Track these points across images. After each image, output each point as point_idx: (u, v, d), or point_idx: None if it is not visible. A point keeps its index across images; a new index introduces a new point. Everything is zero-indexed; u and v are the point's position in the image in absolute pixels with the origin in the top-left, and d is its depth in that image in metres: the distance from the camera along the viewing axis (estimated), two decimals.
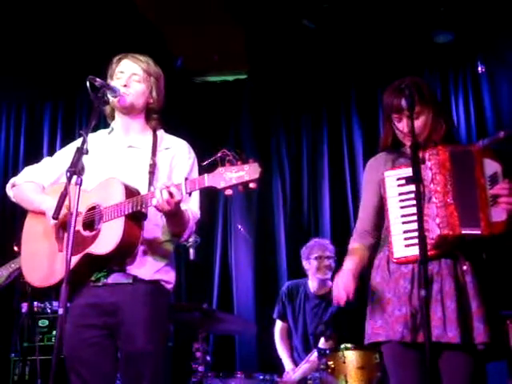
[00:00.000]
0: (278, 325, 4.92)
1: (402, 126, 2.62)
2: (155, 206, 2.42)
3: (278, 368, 4.86)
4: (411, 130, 2.46)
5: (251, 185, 2.25)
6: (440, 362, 2.46)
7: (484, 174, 2.48)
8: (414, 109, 2.51)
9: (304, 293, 4.83)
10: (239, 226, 5.70)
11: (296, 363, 4.69)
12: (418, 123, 2.59)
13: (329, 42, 5.89)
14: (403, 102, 2.55)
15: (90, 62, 4.75)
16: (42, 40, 5.78)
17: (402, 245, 2.52)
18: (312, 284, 4.83)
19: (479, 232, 2.41)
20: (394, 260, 2.55)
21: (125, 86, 2.69)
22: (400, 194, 2.56)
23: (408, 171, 2.46)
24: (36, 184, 2.80)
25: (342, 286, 2.56)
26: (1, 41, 5.71)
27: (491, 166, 2.50)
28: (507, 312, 4.03)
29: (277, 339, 4.91)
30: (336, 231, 5.99)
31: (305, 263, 4.87)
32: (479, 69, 5.83)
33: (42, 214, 2.65)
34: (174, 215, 2.52)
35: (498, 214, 2.43)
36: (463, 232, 2.41)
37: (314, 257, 4.78)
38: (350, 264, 2.67)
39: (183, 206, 2.54)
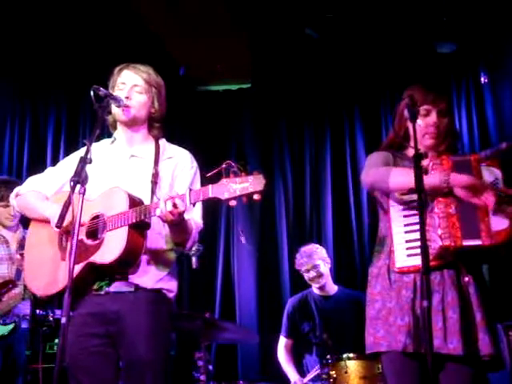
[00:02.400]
0: (283, 341, 4.90)
1: (429, 120, 2.62)
2: (159, 217, 2.43)
3: (280, 377, 4.85)
4: (415, 139, 2.46)
5: (255, 196, 2.25)
6: (440, 373, 2.44)
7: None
8: (416, 119, 2.51)
9: (313, 300, 4.84)
10: (241, 234, 5.68)
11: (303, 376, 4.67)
12: (445, 121, 2.64)
13: (332, 51, 5.91)
14: (406, 112, 2.56)
15: (95, 69, 4.78)
16: (48, 47, 5.82)
17: (404, 254, 2.51)
18: (316, 289, 4.87)
19: (480, 243, 2.40)
20: (396, 269, 2.53)
21: (127, 98, 2.70)
22: (403, 203, 2.54)
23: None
24: (40, 193, 2.81)
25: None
26: (5, 50, 5.74)
27: (491, 173, 2.51)
28: (510, 322, 4.02)
29: (282, 354, 4.87)
30: (338, 239, 6.00)
31: (301, 273, 4.92)
32: (482, 79, 5.84)
33: (46, 221, 2.66)
34: (178, 225, 2.52)
35: (500, 222, 2.42)
36: (464, 244, 2.40)
37: (304, 269, 4.83)
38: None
39: (186, 216, 2.54)
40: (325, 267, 4.81)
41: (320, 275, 4.77)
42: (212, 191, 2.30)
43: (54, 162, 3.02)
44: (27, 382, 4.29)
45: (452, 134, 2.73)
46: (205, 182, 2.64)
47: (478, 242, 2.41)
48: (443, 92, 2.75)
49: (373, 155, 2.80)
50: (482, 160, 2.53)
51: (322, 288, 4.82)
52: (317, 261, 4.80)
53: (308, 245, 5.04)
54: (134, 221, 2.46)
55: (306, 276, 4.82)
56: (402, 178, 2.48)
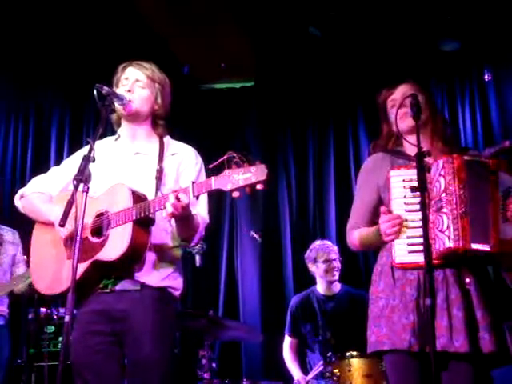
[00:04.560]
0: (288, 340, 4.90)
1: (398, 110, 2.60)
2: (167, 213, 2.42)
3: (284, 375, 4.85)
4: (417, 138, 2.43)
5: (258, 186, 2.24)
6: (444, 372, 2.42)
7: (499, 188, 2.42)
8: (420, 117, 2.50)
9: (316, 300, 4.83)
10: (252, 233, 5.68)
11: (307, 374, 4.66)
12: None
13: (335, 50, 5.90)
14: (409, 111, 2.55)
15: (98, 68, 4.78)
16: (49, 48, 5.82)
17: (405, 250, 2.45)
18: (321, 287, 4.86)
19: (488, 249, 2.35)
20: (397, 265, 2.49)
21: (129, 91, 2.71)
22: (405, 197, 2.49)
23: (414, 173, 2.39)
24: (44, 194, 2.80)
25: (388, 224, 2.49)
26: (8, 50, 5.75)
27: (506, 180, 2.44)
28: None
29: (287, 353, 4.87)
30: (342, 235, 5.96)
31: (311, 266, 4.89)
32: (486, 77, 5.83)
33: (51, 224, 2.66)
34: (185, 220, 2.52)
35: (509, 231, 2.38)
36: (473, 247, 2.35)
37: (321, 260, 4.80)
38: (370, 228, 2.67)
39: (193, 211, 2.54)
40: (339, 262, 4.84)
41: (339, 268, 4.78)
42: (215, 183, 2.30)
43: (58, 161, 3.03)
44: (31, 380, 4.31)
45: (434, 111, 2.71)
46: (207, 173, 2.65)
47: (486, 248, 2.36)
48: (404, 78, 2.75)
49: (363, 177, 2.81)
50: (500, 165, 2.46)
51: (329, 284, 4.81)
52: (335, 254, 4.82)
53: (320, 240, 5.07)
54: (137, 217, 2.45)
55: (324, 267, 4.77)
56: (357, 242, 2.71)
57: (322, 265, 4.79)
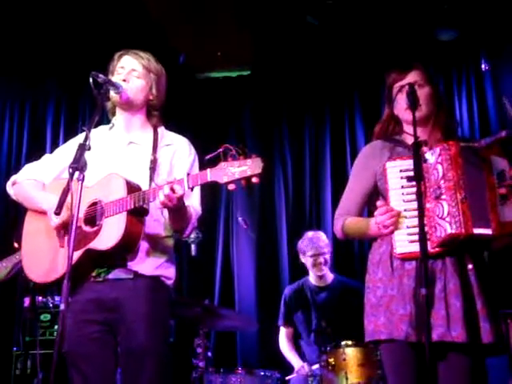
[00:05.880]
0: (283, 331, 4.90)
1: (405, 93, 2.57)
2: (160, 202, 2.42)
3: (279, 365, 4.86)
4: (414, 127, 2.42)
5: (254, 179, 2.26)
6: (440, 362, 2.42)
7: (493, 172, 2.43)
8: (416, 107, 2.49)
9: (309, 289, 4.84)
10: (240, 219, 5.63)
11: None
12: (423, 92, 2.58)
13: (332, 38, 5.88)
14: (405, 99, 2.54)
15: (94, 58, 4.75)
16: (45, 37, 5.79)
17: (406, 240, 2.44)
18: (313, 277, 4.86)
19: (490, 232, 2.35)
20: (398, 256, 2.48)
21: (124, 80, 2.71)
22: (403, 187, 2.49)
23: (410, 163, 2.39)
24: (37, 182, 2.80)
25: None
26: (4, 38, 5.72)
27: (499, 163, 2.46)
28: (508, 310, 4.03)
29: (284, 343, 4.88)
30: None
31: (301, 258, 4.90)
32: (483, 66, 5.81)
33: (43, 212, 2.66)
34: (178, 211, 2.53)
35: (508, 213, 2.38)
36: (475, 232, 2.35)
37: (309, 254, 4.80)
38: (359, 219, 2.67)
39: (186, 202, 2.54)
40: (328, 256, 4.83)
41: (326, 263, 4.78)
42: (210, 175, 2.31)
43: (54, 149, 3.01)
44: (27, 367, 4.31)
45: (439, 104, 2.69)
46: (203, 166, 2.64)
47: (487, 232, 2.36)
48: (413, 65, 2.70)
49: (360, 163, 2.76)
50: (491, 149, 2.47)
51: (320, 277, 4.82)
52: (324, 248, 4.80)
53: (314, 231, 5.05)
54: (132, 207, 2.46)
55: (311, 260, 4.78)
56: (340, 230, 2.70)
57: (310, 259, 4.79)
